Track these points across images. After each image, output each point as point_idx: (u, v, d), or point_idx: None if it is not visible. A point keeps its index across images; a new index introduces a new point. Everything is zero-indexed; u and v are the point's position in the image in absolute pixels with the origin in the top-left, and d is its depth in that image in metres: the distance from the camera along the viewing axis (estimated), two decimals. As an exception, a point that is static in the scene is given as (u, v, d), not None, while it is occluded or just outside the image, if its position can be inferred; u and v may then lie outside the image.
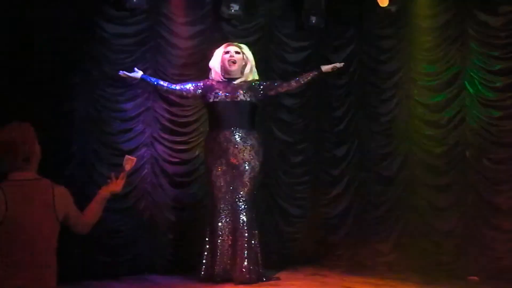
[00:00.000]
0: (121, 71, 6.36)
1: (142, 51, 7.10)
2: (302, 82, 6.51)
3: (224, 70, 6.40)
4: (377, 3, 7.25)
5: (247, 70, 6.46)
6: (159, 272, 7.01)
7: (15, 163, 3.54)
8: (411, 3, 7.47)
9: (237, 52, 6.39)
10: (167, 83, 6.51)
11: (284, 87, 6.52)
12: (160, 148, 7.22)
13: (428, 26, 7.50)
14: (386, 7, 7.27)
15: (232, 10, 7.24)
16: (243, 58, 6.42)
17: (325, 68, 6.50)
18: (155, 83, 6.47)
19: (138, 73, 6.37)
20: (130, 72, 6.37)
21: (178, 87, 6.46)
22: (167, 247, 7.20)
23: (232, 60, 6.36)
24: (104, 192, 4.01)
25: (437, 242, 7.38)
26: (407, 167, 7.57)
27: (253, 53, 6.60)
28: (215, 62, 6.46)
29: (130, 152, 6.89)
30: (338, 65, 6.54)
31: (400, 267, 7.30)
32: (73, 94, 6.78)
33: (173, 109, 7.10)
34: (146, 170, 7.13)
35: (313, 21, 7.42)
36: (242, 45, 6.53)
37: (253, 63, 6.50)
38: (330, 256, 7.55)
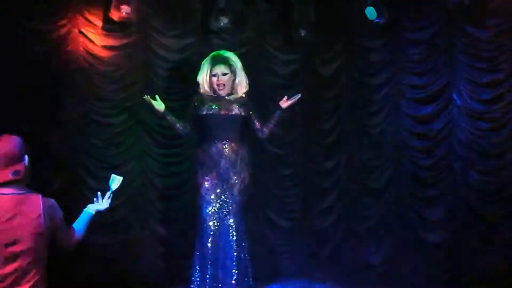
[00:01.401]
0: (146, 96, 6.27)
1: (131, 64, 7.12)
2: (272, 126, 6.43)
3: (213, 90, 6.37)
4: (366, 16, 7.30)
5: (237, 83, 6.41)
6: (150, 285, 6.99)
7: (4, 176, 3.54)
8: (399, 16, 7.51)
9: (224, 74, 6.32)
10: (182, 127, 6.39)
11: (258, 135, 6.47)
12: (150, 161, 7.23)
13: (416, 38, 7.53)
14: (374, 20, 7.33)
15: (221, 23, 7.26)
16: (231, 75, 6.38)
17: (285, 105, 6.38)
18: (172, 123, 6.39)
19: (162, 106, 6.28)
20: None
21: (188, 127, 6.41)
22: (158, 260, 7.19)
23: (222, 84, 6.32)
24: (90, 211, 4.05)
25: (427, 254, 7.38)
26: (396, 179, 7.58)
27: (242, 66, 6.56)
28: (203, 81, 6.38)
29: (120, 166, 6.93)
30: (295, 97, 6.40)
31: (391, 279, 7.30)
32: (62, 107, 6.79)
33: (164, 122, 7.08)
34: (136, 183, 7.13)
35: (302, 34, 7.44)
36: (228, 55, 6.45)
37: (241, 69, 6.41)
38: (320, 268, 7.53)
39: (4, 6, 6.42)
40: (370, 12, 7.25)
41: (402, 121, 7.57)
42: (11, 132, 3.71)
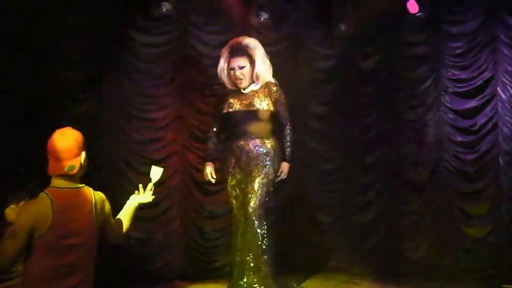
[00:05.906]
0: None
1: (171, 61, 7.16)
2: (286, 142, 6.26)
3: (233, 84, 6.20)
4: (407, 10, 7.23)
5: (256, 72, 6.03)
6: (191, 279, 7.03)
7: (60, 170, 3.59)
8: (440, 10, 7.42)
9: (241, 67, 6.02)
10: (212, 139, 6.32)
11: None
12: (191, 157, 7.26)
13: (458, 32, 7.43)
14: (415, 13, 7.25)
15: (261, 19, 7.26)
16: (250, 66, 6.05)
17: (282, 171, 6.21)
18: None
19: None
20: None
21: (217, 127, 6.28)
22: (199, 255, 7.23)
23: (239, 77, 6.04)
24: (133, 203, 4.08)
25: (470, 250, 7.29)
26: (438, 174, 7.49)
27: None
28: (222, 74, 6.15)
29: (161, 161, 6.98)
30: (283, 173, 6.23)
31: (433, 275, 7.23)
32: (103, 103, 6.85)
33: (203, 118, 7.12)
34: (176, 179, 7.17)
35: (342, 29, 7.40)
36: (246, 43, 6.08)
37: (262, 57, 6.06)
38: (361, 264, 7.49)
39: (44, 6, 6.49)
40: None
41: (444, 115, 7.48)
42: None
